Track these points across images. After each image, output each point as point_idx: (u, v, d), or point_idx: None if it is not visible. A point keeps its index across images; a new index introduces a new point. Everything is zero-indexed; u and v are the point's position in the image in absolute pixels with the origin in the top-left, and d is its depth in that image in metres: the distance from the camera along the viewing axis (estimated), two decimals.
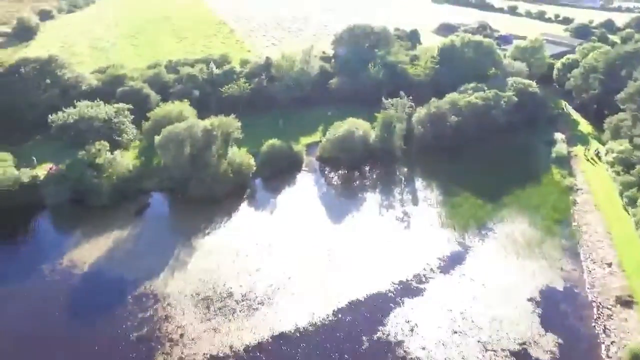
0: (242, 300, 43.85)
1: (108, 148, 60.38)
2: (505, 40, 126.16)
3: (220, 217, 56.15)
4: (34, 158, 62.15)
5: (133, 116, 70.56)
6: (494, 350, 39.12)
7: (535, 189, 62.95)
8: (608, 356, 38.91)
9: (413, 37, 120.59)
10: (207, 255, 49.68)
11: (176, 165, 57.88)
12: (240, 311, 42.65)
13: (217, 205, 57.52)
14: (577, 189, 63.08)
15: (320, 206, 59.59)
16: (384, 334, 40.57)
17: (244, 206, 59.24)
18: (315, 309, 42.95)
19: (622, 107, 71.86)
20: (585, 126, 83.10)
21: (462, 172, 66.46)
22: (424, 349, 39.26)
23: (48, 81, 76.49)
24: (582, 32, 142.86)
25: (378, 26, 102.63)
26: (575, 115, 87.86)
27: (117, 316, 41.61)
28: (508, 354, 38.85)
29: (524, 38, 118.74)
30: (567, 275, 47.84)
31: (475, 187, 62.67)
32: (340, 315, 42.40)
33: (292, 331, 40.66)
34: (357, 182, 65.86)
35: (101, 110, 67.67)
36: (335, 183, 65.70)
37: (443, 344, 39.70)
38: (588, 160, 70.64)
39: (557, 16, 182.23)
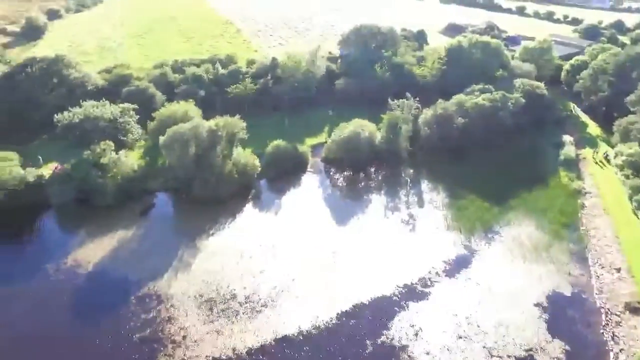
0: (246, 302, 43.63)
1: (113, 148, 60.39)
2: (513, 41, 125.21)
3: (224, 218, 56.00)
4: (40, 157, 62.34)
5: (138, 116, 70.65)
6: (500, 356, 38.59)
7: (542, 192, 62.25)
8: None
9: (420, 38, 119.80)
10: (211, 257, 49.53)
11: (181, 166, 57.83)
12: (243, 313, 42.42)
13: (221, 206, 57.37)
14: (586, 193, 62.29)
15: (325, 208, 59.28)
16: (388, 338, 40.17)
17: (249, 207, 59.06)
18: (319, 311, 42.63)
19: (632, 109, 71.07)
20: (594, 128, 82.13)
21: (469, 174, 65.89)
22: (428, 353, 38.81)
23: (55, 81, 76.77)
24: (591, 33, 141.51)
25: (385, 26, 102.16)
26: (584, 118, 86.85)
27: (121, 316, 41.55)
28: None
29: (532, 39, 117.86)
30: (575, 280, 47.16)
31: (481, 189, 62.09)
32: (344, 319, 42.05)
33: (296, 334, 40.35)
34: (363, 184, 65.47)
35: (107, 110, 67.79)
36: (340, 184, 65.35)
37: (448, 349, 39.23)
38: (597, 163, 69.71)
39: (565, 17, 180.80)
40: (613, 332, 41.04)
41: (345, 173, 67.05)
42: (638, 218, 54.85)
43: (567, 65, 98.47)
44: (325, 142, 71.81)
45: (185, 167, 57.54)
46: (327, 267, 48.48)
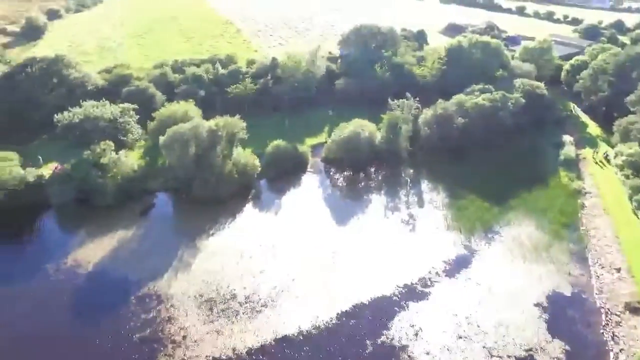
0: (246, 302, 43.62)
1: (113, 148, 60.37)
2: (513, 41, 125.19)
3: (224, 218, 55.99)
4: (40, 157, 62.32)
5: (138, 116, 70.66)
6: (500, 356, 38.58)
7: (542, 192, 62.25)
8: None
9: (420, 38, 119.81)
10: (211, 257, 49.52)
11: (181, 166, 57.83)
12: (243, 313, 42.42)
13: (221, 206, 57.36)
14: (586, 193, 62.29)
15: (325, 208, 59.27)
16: (388, 338, 40.16)
17: (249, 207, 59.05)
18: (319, 311, 42.62)
19: (632, 109, 71.04)
20: (594, 128, 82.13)
21: (469, 174, 65.89)
22: (428, 353, 38.80)
23: (55, 81, 76.75)
24: (591, 33, 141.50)
25: (385, 26, 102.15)
26: (584, 118, 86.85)
27: (121, 316, 41.54)
28: None
29: (532, 39, 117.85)
30: (575, 281, 47.16)
31: (481, 189, 62.09)
32: (344, 319, 42.04)
33: (296, 334, 40.34)
34: (363, 184, 65.46)
35: (107, 110, 67.80)
36: (340, 184, 65.35)
37: (448, 349, 39.23)
38: (597, 163, 69.70)
39: (565, 17, 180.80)
40: (613, 332, 41.04)
41: (345, 173, 67.05)
42: (638, 218, 54.85)
43: (567, 65, 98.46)
44: (325, 142, 71.80)
45: (185, 167, 57.54)
46: (327, 267, 48.46)
